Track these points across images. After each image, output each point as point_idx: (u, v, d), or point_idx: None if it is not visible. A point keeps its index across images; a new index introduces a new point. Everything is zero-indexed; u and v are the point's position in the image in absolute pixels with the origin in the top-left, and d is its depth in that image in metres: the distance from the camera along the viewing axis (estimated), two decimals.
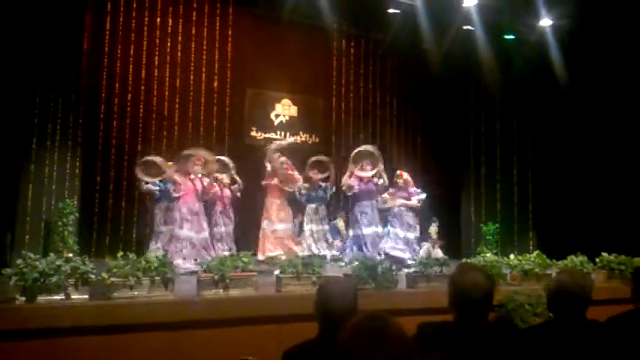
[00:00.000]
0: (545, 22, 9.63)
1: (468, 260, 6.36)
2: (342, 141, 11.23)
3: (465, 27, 9.94)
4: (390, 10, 9.96)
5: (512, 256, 5.87)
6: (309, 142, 10.99)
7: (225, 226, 7.91)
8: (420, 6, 9.31)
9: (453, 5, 9.39)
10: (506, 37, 10.42)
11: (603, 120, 9.68)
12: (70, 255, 5.60)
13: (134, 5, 9.43)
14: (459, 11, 9.50)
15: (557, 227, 9.86)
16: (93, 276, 4.00)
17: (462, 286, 1.94)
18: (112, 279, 4.05)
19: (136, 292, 4.10)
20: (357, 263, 5.16)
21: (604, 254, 6.21)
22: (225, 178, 8.07)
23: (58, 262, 3.89)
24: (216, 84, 10.06)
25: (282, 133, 10.74)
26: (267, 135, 10.58)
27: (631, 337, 2.30)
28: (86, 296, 3.96)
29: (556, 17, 9.41)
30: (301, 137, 10.91)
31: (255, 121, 10.55)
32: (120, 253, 4.40)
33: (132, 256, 4.30)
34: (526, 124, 10.71)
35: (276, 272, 4.68)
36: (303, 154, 10.60)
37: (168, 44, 9.70)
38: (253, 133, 10.51)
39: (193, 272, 5.34)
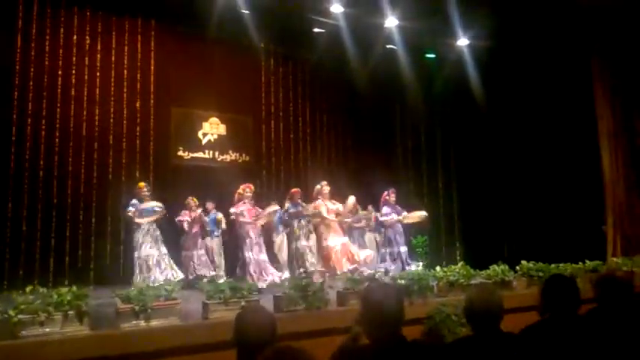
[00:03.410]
0: (463, 41, 10.14)
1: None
2: (273, 159, 11.18)
3: (388, 46, 10.26)
4: (316, 30, 10.10)
5: (438, 268, 6.00)
6: (240, 161, 10.84)
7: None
8: (343, 25, 9.52)
9: (376, 25, 9.68)
10: (428, 55, 10.87)
11: (520, 135, 10.28)
12: None
13: (48, 23, 8.94)
14: (381, 31, 9.80)
15: (481, 238, 10.28)
16: None
17: (372, 305, 1.94)
18: (20, 316, 3.73)
19: (47, 329, 3.80)
20: (287, 284, 5.10)
21: (523, 262, 6.49)
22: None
23: None
24: (138, 104, 9.70)
25: (211, 153, 10.52)
26: (195, 154, 10.34)
27: (542, 347, 2.38)
28: None
29: (472, 37, 9.93)
30: (231, 156, 10.74)
31: (182, 141, 10.26)
32: (29, 287, 4.09)
33: (42, 289, 4.00)
34: (449, 140, 11.16)
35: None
36: (234, 172, 10.51)
37: (86, 62, 9.26)
38: (180, 153, 10.21)
39: None
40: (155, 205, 7.40)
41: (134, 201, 7.36)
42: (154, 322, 4.13)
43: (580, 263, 6.67)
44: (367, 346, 1.98)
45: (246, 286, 4.78)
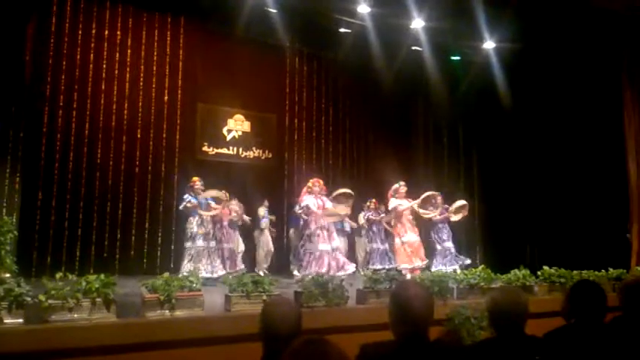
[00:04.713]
0: (489, 44, 10.06)
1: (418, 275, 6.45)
2: (295, 157, 11.25)
3: (413, 47, 10.23)
4: (342, 30, 10.13)
5: (458, 271, 5.99)
6: (262, 158, 10.94)
7: None
8: (370, 26, 9.53)
9: (402, 26, 9.66)
10: (453, 57, 10.81)
11: (545, 139, 10.15)
12: (8, 275, 5.29)
13: (81, 17, 9.15)
14: (407, 32, 9.78)
15: (502, 242, 10.19)
16: (29, 298, 3.80)
17: (401, 302, 1.96)
18: (50, 301, 3.86)
19: (75, 315, 3.92)
20: (308, 279, 5.15)
21: (545, 268, 6.43)
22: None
23: None
24: (166, 98, 9.87)
25: (235, 149, 10.65)
26: (219, 150, 10.47)
27: (566, 352, 2.37)
28: (21, 320, 3.75)
29: (498, 40, 9.86)
30: (254, 153, 10.85)
31: (207, 137, 10.40)
32: (59, 274, 4.22)
33: (71, 277, 4.13)
34: (472, 141, 11.09)
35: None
36: (257, 169, 10.63)
37: (117, 57, 9.45)
38: (205, 149, 10.36)
39: None
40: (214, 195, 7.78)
41: (186, 195, 7.61)
42: (178, 313, 4.23)
43: (603, 271, 6.58)
44: (391, 342, 2.00)
45: (266, 280, 4.85)
